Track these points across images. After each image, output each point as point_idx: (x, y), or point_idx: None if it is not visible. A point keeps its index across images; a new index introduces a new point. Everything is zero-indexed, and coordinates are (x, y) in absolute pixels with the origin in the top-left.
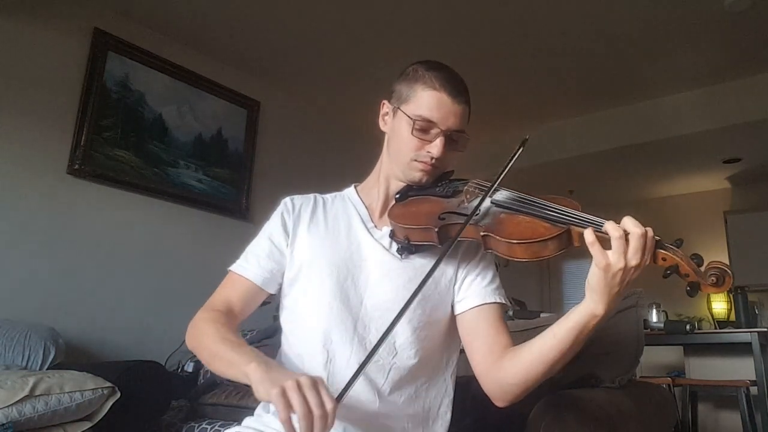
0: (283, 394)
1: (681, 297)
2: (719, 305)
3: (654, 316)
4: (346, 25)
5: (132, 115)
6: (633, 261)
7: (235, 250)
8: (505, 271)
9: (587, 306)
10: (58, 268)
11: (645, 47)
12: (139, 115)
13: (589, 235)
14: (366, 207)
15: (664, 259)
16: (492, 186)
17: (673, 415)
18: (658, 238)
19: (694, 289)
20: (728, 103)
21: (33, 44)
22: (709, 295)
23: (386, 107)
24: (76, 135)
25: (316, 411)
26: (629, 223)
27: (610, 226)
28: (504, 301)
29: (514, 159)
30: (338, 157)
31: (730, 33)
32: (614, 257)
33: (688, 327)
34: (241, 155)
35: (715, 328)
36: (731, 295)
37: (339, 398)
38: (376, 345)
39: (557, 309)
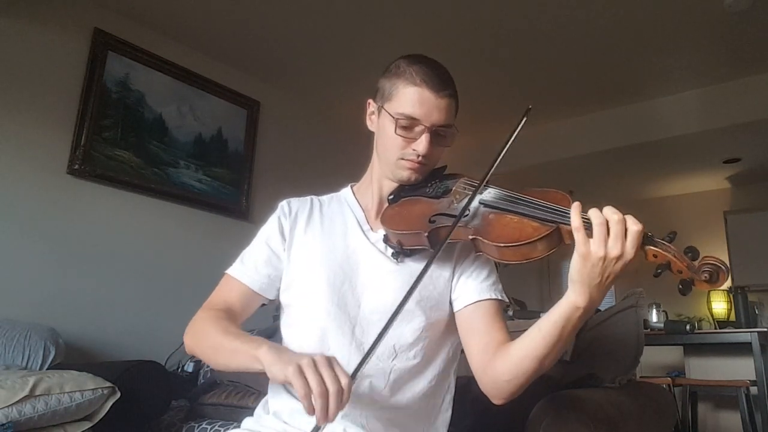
0: (300, 371)
1: (681, 297)
2: (719, 305)
3: (654, 316)
4: (347, 25)
5: (132, 115)
6: (614, 250)
7: (235, 250)
8: (506, 271)
9: (569, 297)
10: (58, 268)
11: (645, 47)
12: (139, 115)
13: (575, 219)
14: (362, 209)
15: (655, 256)
16: (480, 184)
17: (673, 415)
18: (649, 233)
19: (686, 287)
20: (728, 103)
21: (33, 44)
22: (709, 294)
23: (372, 106)
24: (76, 135)
25: (332, 387)
26: (609, 210)
27: (593, 213)
28: (500, 297)
29: (516, 132)
30: (338, 156)
31: (730, 33)
32: (595, 245)
33: (688, 327)
34: (241, 155)
35: (715, 328)
36: (731, 295)
37: (353, 375)
38: (372, 346)
39: None
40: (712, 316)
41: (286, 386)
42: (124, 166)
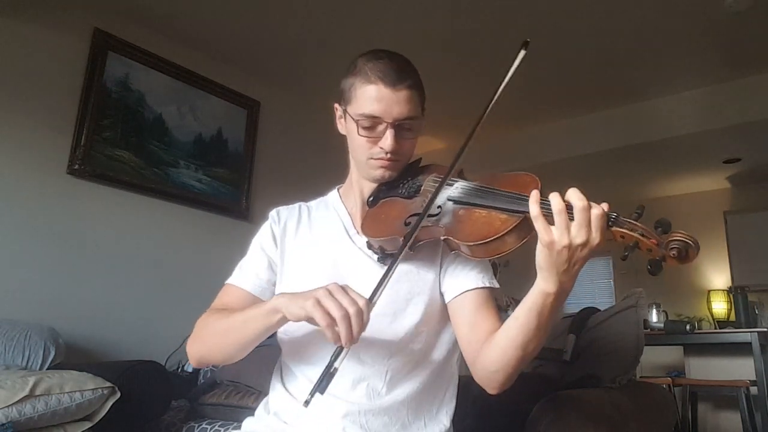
0: (318, 303)
1: (681, 297)
2: (719, 305)
3: (654, 316)
4: (347, 24)
5: (132, 115)
6: (578, 238)
7: (235, 250)
8: (506, 271)
9: (538, 285)
10: (58, 268)
11: (645, 47)
12: (139, 115)
13: (534, 207)
14: (348, 213)
15: (622, 237)
16: (442, 181)
17: (673, 415)
18: (614, 214)
19: (655, 266)
20: (728, 103)
21: (33, 44)
22: (709, 294)
23: (338, 110)
24: (76, 135)
25: (351, 309)
26: (573, 195)
27: (553, 199)
28: (488, 285)
29: (512, 72)
30: (338, 156)
31: (729, 33)
32: (558, 233)
33: (688, 327)
34: (241, 155)
35: (715, 328)
36: (731, 295)
37: (370, 299)
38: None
39: None
40: (712, 316)
41: (286, 387)
42: (124, 166)
